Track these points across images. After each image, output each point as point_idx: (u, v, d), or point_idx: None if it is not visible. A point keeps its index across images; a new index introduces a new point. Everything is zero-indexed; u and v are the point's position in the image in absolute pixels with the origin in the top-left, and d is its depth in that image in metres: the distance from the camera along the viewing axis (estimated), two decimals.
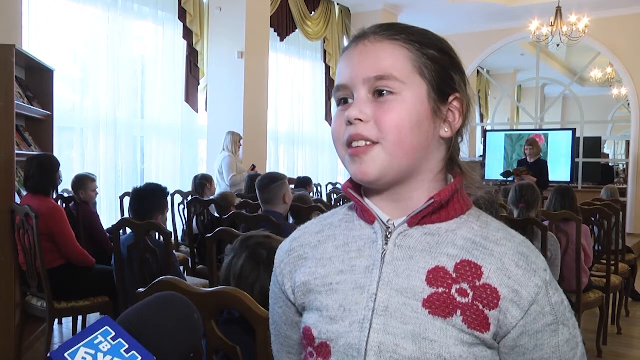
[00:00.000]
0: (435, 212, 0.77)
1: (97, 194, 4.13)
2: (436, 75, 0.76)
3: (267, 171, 6.47)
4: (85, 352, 0.58)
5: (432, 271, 0.74)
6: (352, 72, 0.76)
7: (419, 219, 0.77)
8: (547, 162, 6.43)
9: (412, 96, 0.74)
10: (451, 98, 0.77)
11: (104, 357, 0.58)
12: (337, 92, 0.79)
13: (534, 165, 5.86)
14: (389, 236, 0.78)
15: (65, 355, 0.57)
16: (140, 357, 0.59)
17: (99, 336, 0.59)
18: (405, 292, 0.74)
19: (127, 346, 0.59)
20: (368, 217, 0.80)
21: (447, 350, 0.71)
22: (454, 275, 0.74)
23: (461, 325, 0.72)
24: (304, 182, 5.87)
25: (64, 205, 3.88)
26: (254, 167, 5.75)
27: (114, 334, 0.59)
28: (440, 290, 0.73)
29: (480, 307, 0.72)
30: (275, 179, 3.11)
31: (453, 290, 0.73)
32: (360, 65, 0.76)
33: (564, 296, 0.77)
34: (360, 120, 0.74)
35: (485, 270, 0.74)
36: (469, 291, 0.73)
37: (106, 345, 0.58)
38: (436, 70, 0.76)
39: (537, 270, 0.74)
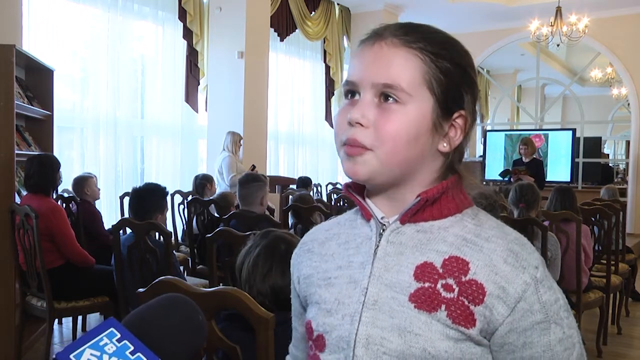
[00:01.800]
0: (427, 209, 0.78)
1: (99, 189, 4.17)
2: (445, 91, 0.76)
3: (267, 171, 6.50)
4: (91, 354, 0.58)
5: (420, 266, 0.76)
6: (362, 72, 0.77)
7: (409, 216, 0.78)
8: (542, 162, 6.41)
9: (415, 109, 0.75)
10: (455, 115, 0.77)
11: (109, 358, 0.58)
12: (345, 85, 0.80)
13: (529, 165, 5.87)
14: (383, 233, 0.79)
15: (71, 356, 0.57)
16: (145, 359, 0.59)
17: (105, 338, 0.59)
18: (394, 287, 0.76)
19: (132, 348, 0.59)
20: (365, 215, 0.82)
21: (432, 345, 0.72)
22: (441, 271, 0.75)
23: (445, 319, 0.73)
24: (305, 182, 5.88)
25: (64, 205, 3.88)
26: (254, 167, 5.74)
27: (119, 335, 0.60)
28: (427, 285, 0.75)
29: (466, 302, 0.73)
30: (257, 179, 3.23)
31: (438, 285, 0.74)
32: (371, 67, 0.76)
33: (560, 295, 0.76)
34: (361, 124, 0.75)
35: (472, 266, 0.74)
36: (454, 286, 0.74)
37: (111, 347, 0.59)
38: (446, 85, 0.76)
39: (526, 267, 0.74)
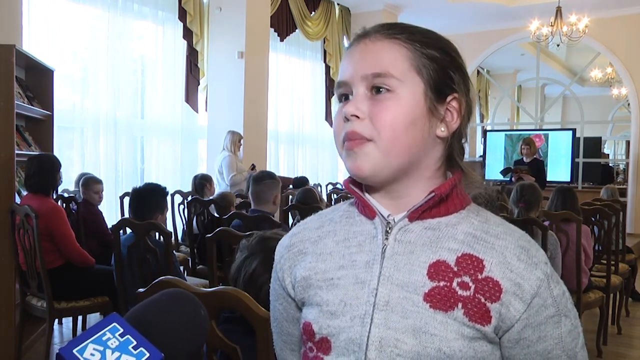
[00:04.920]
0: (435, 206, 0.78)
1: (101, 197, 4.12)
2: (434, 74, 0.76)
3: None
4: (94, 349, 0.58)
5: (433, 265, 0.75)
6: (352, 70, 0.78)
7: (419, 214, 0.77)
8: (543, 162, 6.40)
9: (408, 94, 0.75)
10: (449, 98, 0.78)
11: (112, 353, 0.58)
12: (338, 89, 0.80)
13: (530, 165, 5.87)
14: (389, 231, 0.78)
15: (74, 351, 0.57)
16: (148, 354, 0.59)
17: (107, 332, 0.59)
18: (406, 287, 0.75)
19: (135, 342, 0.59)
20: (368, 212, 0.81)
21: (447, 345, 0.72)
22: (456, 269, 0.74)
23: (462, 318, 0.73)
24: (302, 183, 5.83)
25: (64, 205, 3.88)
26: (253, 167, 5.74)
27: (122, 330, 0.60)
28: (442, 283, 0.74)
29: (482, 299, 0.73)
30: (271, 176, 3.18)
31: (454, 284, 0.74)
32: (360, 62, 0.77)
33: (565, 287, 0.78)
34: (357, 117, 0.75)
35: (487, 264, 0.74)
36: (470, 284, 0.73)
37: (114, 342, 0.59)
38: (435, 69, 0.76)
39: (538, 264, 0.75)
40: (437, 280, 0.74)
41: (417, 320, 0.73)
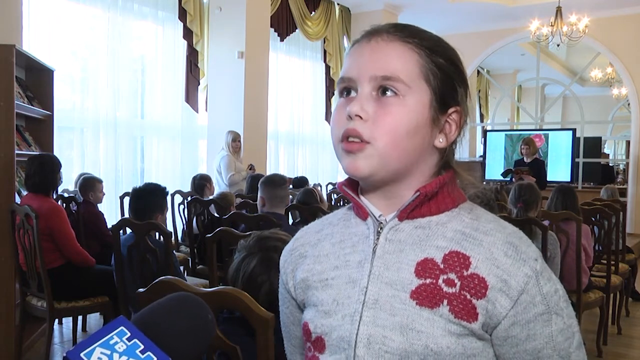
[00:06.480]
0: (424, 205, 0.78)
1: (104, 194, 4.17)
2: (441, 85, 0.77)
3: (267, 171, 6.48)
4: (101, 352, 0.58)
5: (420, 263, 0.75)
6: (360, 67, 0.77)
7: (407, 212, 0.78)
8: (544, 162, 6.40)
9: (414, 101, 0.75)
10: (451, 110, 0.78)
11: (119, 357, 0.58)
12: (341, 83, 0.80)
13: (531, 165, 5.86)
14: (381, 231, 0.79)
15: (81, 355, 0.57)
16: (155, 358, 0.59)
17: (115, 336, 0.59)
18: (394, 285, 0.76)
19: (142, 347, 0.59)
20: (362, 214, 0.82)
21: (434, 341, 0.72)
22: (442, 266, 0.75)
23: (448, 314, 0.73)
24: (301, 182, 5.82)
25: (64, 205, 3.88)
26: (251, 167, 5.72)
27: (129, 334, 0.60)
28: (428, 281, 0.74)
29: (468, 296, 0.73)
30: (285, 180, 3.23)
31: (440, 281, 0.74)
32: (369, 61, 0.76)
33: (559, 285, 0.76)
34: (360, 117, 0.75)
35: (473, 260, 0.74)
36: (456, 281, 0.73)
37: (122, 346, 0.59)
38: (442, 79, 0.77)
39: (526, 260, 0.74)
40: (424, 278, 0.74)
41: (404, 318, 0.74)
